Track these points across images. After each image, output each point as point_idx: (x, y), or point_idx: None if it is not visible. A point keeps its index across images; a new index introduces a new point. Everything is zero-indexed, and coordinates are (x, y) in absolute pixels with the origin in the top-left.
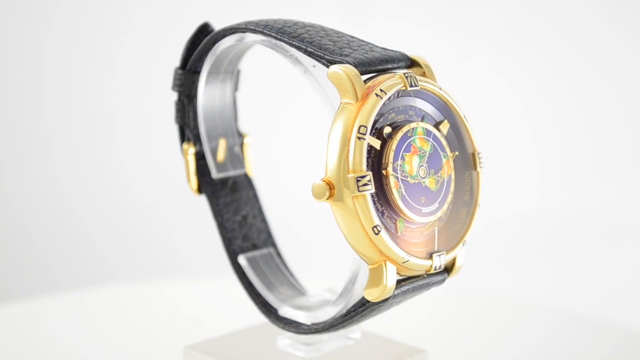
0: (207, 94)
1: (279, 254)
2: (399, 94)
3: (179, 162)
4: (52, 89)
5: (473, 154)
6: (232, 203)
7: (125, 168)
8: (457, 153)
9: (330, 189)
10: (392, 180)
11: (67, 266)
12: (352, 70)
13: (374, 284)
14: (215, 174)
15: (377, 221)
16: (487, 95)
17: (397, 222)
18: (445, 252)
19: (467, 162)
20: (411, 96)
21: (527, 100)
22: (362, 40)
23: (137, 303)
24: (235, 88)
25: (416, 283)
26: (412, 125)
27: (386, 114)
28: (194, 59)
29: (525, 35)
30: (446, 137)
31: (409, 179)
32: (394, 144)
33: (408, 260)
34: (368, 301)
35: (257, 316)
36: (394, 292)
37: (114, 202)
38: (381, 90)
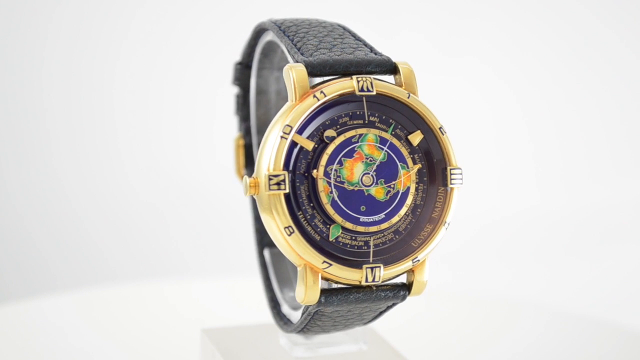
0: (260, 89)
1: None
2: (349, 99)
3: (180, 161)
4: (52, 87)
5: (445, 169)
6: None
7: (126, 167)
8: (419, 166)
9: (256, 185)
10: (320, 184)
11: (67, 266)
12: (299, 69)
13: (299, 285)
14: None
15: (290, 222)
16: (484, 94)
17: (332, 228)
18: (381, 266)
19: (439, 177)
20: (370, 101)
21: (524, 99)
22: (360, 43)
23: (137, 303)
24: None
25: (360, 294)
26: (361, 131)
27: (336, 118)
28: (245, 53)
29: (524, 36)
30: (415, 148)
31: (346, 184)
32: (331, 148)
33: (331, 266)
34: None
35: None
36: (330, 298)
37: (114, 201)
38: (321, 92)
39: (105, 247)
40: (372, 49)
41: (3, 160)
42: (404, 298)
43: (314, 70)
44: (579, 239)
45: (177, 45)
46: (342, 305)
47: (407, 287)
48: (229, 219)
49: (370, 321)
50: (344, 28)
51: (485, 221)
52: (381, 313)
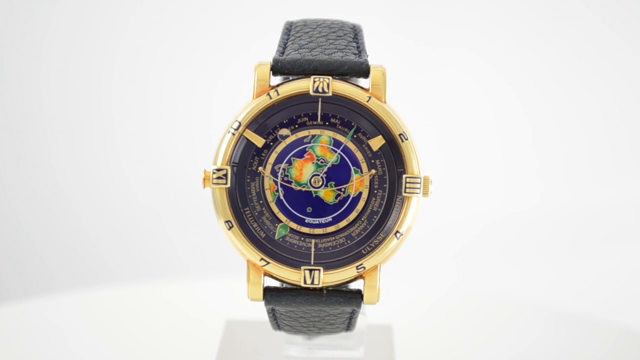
0: None
1: None
2: (304, 99)
3: (179, 161)
4: (50, 87)
5: (403, 178)
6: None
7: (124, 167)
8: (375, 171)
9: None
10: (267, 182)
11: (67, 266)
12: (262, 67)
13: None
14: None
15: (230, 216)
16: (486, 91)
17: (279, 227)
18: (321, 269)
19: (398, 185)
20: (327, 102)
21: (526, 97)
22: (353, 45)
23: (136, 303)
24: None
25: (308, 296)
26: (314, 132)
27: (295, 117)
28: None
29: (524, 35)
30: (377, 153)
31: (293, 184)
32: (281, 146)
33: (268, 264)
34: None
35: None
36: (276, 297)
37: (112, 201)
38: (275, 91)
39: (105, 247)
40: (360, 52)
41: (2, 161)
42: (358, 305)
43: (281, 68)
44: (582, 239)
45: (175, 44)
46: (291, 306)
47: (362, 295)
48: None
49: (347, 328)
50: (354, 29)
51: (486, 221)
52: (350, 319)
